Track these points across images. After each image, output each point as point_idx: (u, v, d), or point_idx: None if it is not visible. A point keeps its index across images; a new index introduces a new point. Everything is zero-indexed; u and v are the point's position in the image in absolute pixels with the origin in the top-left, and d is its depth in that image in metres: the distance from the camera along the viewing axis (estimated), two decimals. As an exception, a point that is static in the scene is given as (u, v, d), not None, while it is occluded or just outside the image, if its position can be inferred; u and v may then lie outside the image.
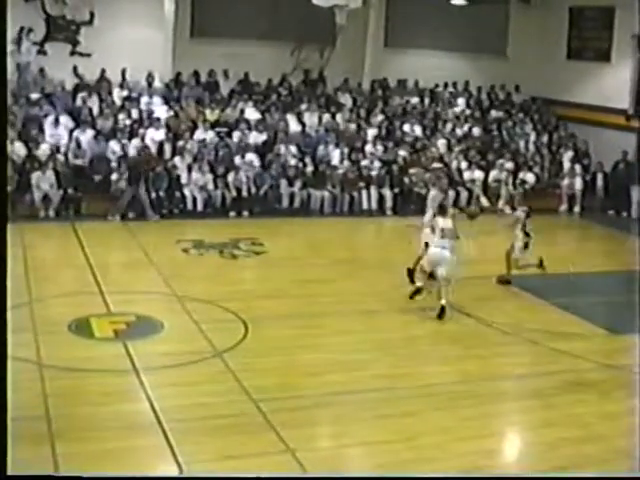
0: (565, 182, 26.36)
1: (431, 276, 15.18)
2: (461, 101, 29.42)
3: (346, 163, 24.90)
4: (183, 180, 22.96)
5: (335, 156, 25.13)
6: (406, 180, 24.41)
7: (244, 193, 23.25)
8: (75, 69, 25.64)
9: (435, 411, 10.84)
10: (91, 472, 8.59)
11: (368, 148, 25.72)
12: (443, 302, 14.70)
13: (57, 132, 23.19)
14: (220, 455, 9.37)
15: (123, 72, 25.78)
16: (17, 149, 21.97)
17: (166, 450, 9.39)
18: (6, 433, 5.91)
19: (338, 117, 27.00)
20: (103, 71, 25.67)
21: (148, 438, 9.59)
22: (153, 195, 22.31)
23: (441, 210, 15.58)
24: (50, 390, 10.86)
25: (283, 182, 23.81)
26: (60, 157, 22.46)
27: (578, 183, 26.31)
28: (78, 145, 22.91)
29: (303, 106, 26.90)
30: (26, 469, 8.32)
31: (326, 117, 26.84)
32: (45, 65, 25.16)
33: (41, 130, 23.10)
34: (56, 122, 23.34)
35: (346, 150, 25.36)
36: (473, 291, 16.53)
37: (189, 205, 22.78)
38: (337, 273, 17.02)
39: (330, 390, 11.40)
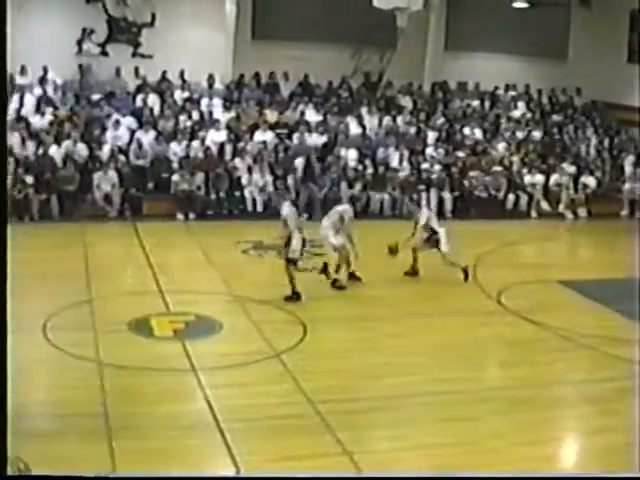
0: (626, 186, 26.03)
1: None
2: (521, 104, 29.23)
3: (406, 166, 24.84)
4: (243, 181, 23.07)
5: (395, 159, 25.06)
6: (466, 183, 24.30)
7: (303, 195, 23.33)
8: (137, 70, 25.89)
9: (493, 416, 10.75)
10: (148, 470, 8.65)
11: (428, 151, 25.65)
12: None
13: (119, 133, 23.43)
14: (277, 456, 9.37)
15: (182, 73, 25.97)
16: (79, 150, 22.25)
17: (223, 450, 9.42)
18: (6, 434, 5.93)
19: (399, 120, 26.94)
20: (164, 72, 25.92)
21: (205, 438, 9.63)
22: (213, 196, 22.49)
23: None
24: (108, 388, 10.95)
25: (343, 184, 23.81)
26: (122, 157, 22.69)
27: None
28: (139, 146, 23.12)
29: (363, 109, 26.89)
30: (83, 465, 8.45)
31: (386, 120, 26.80)
32: (106, 67, 25.43)
33: (103, 131, 23.35)
34: (118, 123, 23.59)
35: (406, 153, 25.27)
36: (532, 296, 16.43)
37: (249, 206, 22.90)
38: (395, 276, 16.93)
39: (387, 393, 11.37)
